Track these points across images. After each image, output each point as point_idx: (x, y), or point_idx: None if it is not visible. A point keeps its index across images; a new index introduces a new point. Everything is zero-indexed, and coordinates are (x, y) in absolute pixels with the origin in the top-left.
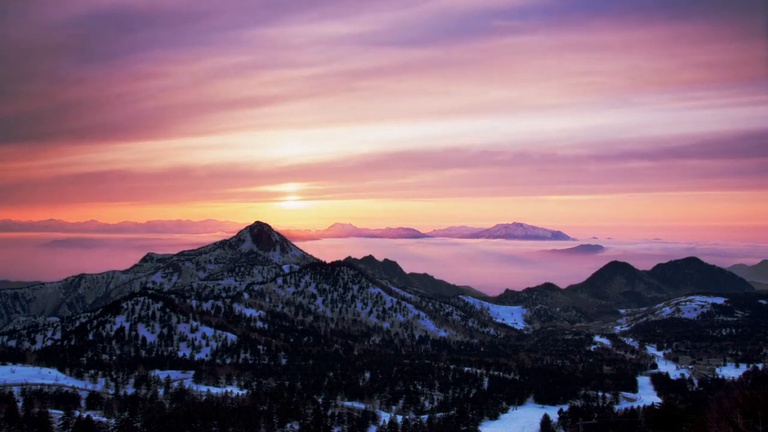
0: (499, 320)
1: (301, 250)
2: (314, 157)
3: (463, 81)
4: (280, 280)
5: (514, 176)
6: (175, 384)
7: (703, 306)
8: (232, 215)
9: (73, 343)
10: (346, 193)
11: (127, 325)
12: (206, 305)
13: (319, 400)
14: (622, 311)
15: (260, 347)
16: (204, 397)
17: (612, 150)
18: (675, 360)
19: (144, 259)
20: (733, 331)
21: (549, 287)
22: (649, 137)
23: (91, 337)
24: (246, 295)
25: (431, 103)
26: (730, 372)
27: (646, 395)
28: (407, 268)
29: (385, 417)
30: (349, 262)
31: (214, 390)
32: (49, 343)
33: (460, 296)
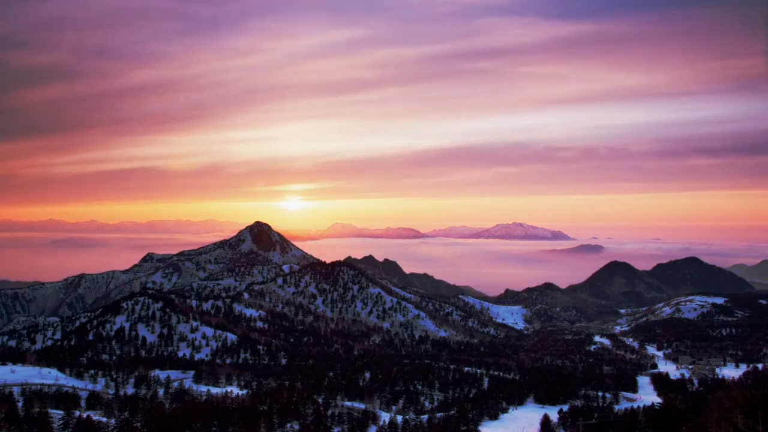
0: (499, 320)
1: (301, 250)
2: (362, 153)
3: (592, 63)
4: (280, 280)
5: (559, 174)
6: (175, 384)
7: (703, 306)
8: (232, 215)
9: (73, 343)
10: (368, 193)
11: (127, 325)
12: (206, 305)
13: (319, 400)
14: (622, 311)
15: (260, 347)
16: (204, 397)
17: (684, 146)
18: (675, 360)
19: (144, 259)
20: (733, 331)
21: (549, 287)
22: (737, 131)
23: (91, 337)
24: (246, 295)
25: (537, 90)
26: (730, 372)
27: (646, 395)
28: (407, 268)
29: (385, 417)
30: (349, 262)
31: (214, 390)
32: (49, 343)
33: (460, 296)
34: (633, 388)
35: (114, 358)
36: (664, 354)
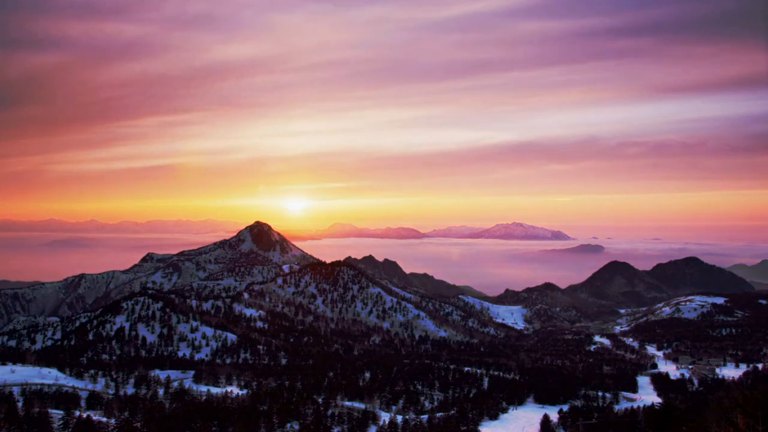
0: (499, 320)
1: (301, 250)
2: (417, 148)
3: (736, 47)
4: (280, 280)
5: (613, 172)
6: (175, 384)
7: (703, 306)
8: (232, 215)
9: (73, 343)
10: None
11: (127, 325)
12: (206, 305)
13: (319, 400)
14: (622, 311)
15: (260, 347)
16: (204, 397)
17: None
18: (675, 360)
19: (144, 259)
20: (733, 331)
21: (549, 287)
22: None
23: (91, 337)
24: (246, 295)
25: (661, 76)
26: (730, 372)
27: (646, 395)
28: (407, 268)
29: (385, 417)
30: (349, 262)
31: (214, 390)
32: (49, 343)
33: (460, 296)
34: (633, 388)
35: (114, 358)
36: (664, 354)
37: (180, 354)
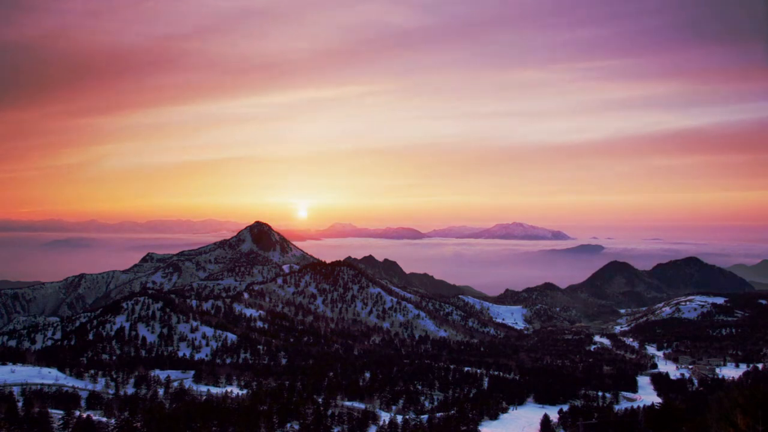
0: (499, 320)
1: (301, 250)
2: (486, 142)
3: None
4: (280, 280)
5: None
6: (175, 384)
7: (703, 306)
8: (232, 215)
9: (73, 343)
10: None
11: (127, 325)
12: (206, 305)
13: (319, 400)
14: (622, 311)
15: (260, 347)
16: (204, 397)
17: None
18: (675, 360)
19: (144, 259)
20: (733, 331)
21: (549, 287)
22: None
23: (91, 337)
24: (246, 295)
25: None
26: (730, 372)
27: (646, 395)
28: (407, 268)
29: (385, 417)
30: (349, 262)
31: (214, 390)
32: (49, 343)
33: (460, 296)
34: (633, 388)
35: (114, 358)
36: (664, 354)
37: (180, 354)
